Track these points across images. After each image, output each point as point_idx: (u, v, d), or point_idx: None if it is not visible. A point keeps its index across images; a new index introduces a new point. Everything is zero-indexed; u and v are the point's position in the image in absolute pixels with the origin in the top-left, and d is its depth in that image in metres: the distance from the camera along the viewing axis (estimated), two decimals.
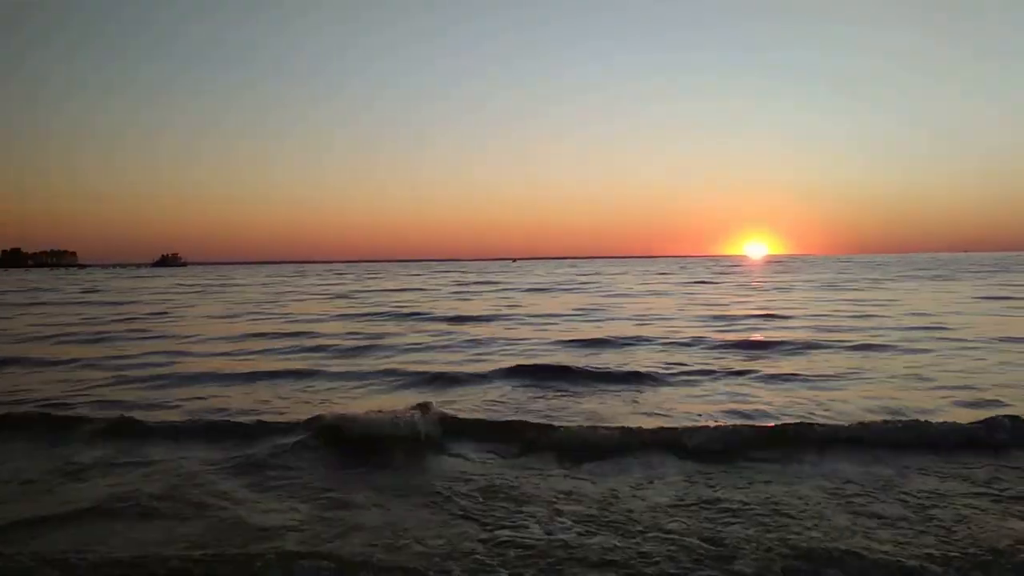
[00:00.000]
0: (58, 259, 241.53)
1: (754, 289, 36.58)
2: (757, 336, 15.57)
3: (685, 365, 11.78)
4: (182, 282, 62.44)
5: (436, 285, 47.20)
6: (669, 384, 10.23)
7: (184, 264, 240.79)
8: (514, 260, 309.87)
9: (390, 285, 48.83)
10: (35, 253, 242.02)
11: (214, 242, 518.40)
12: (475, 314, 22.92)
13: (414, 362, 12.72)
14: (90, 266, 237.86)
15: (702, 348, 13.97)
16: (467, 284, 48.71)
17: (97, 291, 44.91)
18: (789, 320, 19.53)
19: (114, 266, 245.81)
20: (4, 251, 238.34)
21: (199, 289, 47.04)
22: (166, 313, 25.67)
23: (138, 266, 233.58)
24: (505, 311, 24.18)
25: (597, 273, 75.17)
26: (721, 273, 66.69)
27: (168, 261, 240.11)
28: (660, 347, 14.16)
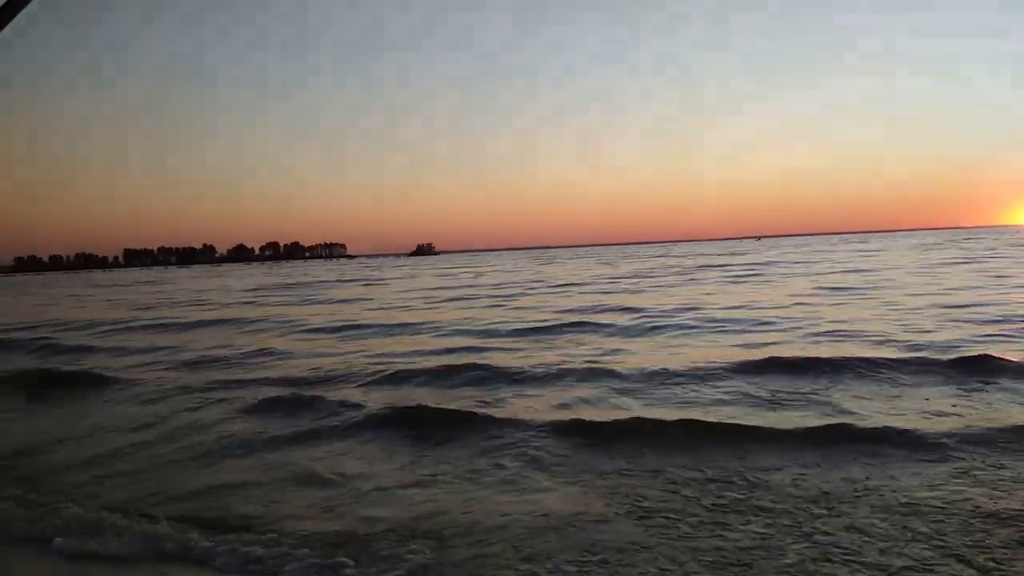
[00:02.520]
0: (331, 251, 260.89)
1: None
2: None
3: None
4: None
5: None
6: None
7: (437, 253, 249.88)
8: (758, 239, 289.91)
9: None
10: (311, 246, 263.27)
11: (456, 232, 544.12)
12: None
13: None
14: (358, 257, 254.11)
15: None
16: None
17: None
18: None
19: (376, 256, 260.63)
20: (285, 245, 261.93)
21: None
22: None
23: (397, 255, 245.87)
24: None
25: (880, 250, 59.18)
26: None
27: (423, 250, 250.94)
28: None
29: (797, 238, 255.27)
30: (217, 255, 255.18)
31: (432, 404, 7.84)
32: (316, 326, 17.36)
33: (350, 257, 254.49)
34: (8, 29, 2.28)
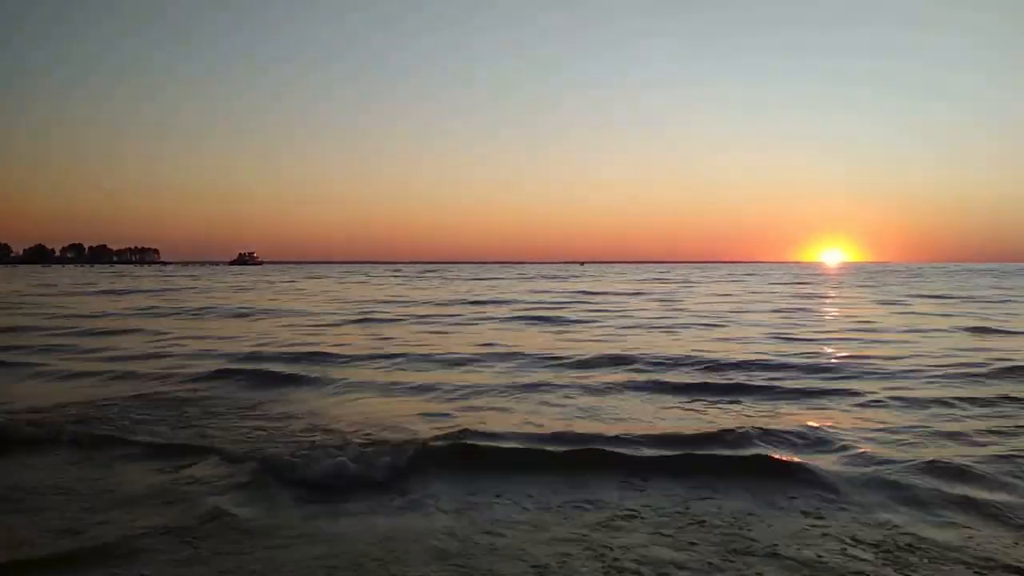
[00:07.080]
0: (142, 256, 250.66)
1: None
2: None
3: None
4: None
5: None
6: None
7: (260, 263, 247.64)
8: (582, 263, 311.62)
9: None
10: (120, 250, 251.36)
11: (284, 243, 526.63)
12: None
13: None
14: (172, 263, 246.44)
15: None
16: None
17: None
18: None
19: (193, 263, 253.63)
20: (91, 247, 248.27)
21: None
22: None
23: (216, 264, 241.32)
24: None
25: (688, 279, 72.44)
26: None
27: (245, 260, 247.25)
28: None
29: (617, 264, 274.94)
30: (12, 255, 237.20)
31: None
32: None
33: (163, 263, 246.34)
34: None
